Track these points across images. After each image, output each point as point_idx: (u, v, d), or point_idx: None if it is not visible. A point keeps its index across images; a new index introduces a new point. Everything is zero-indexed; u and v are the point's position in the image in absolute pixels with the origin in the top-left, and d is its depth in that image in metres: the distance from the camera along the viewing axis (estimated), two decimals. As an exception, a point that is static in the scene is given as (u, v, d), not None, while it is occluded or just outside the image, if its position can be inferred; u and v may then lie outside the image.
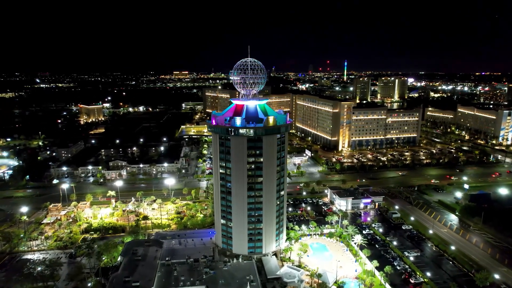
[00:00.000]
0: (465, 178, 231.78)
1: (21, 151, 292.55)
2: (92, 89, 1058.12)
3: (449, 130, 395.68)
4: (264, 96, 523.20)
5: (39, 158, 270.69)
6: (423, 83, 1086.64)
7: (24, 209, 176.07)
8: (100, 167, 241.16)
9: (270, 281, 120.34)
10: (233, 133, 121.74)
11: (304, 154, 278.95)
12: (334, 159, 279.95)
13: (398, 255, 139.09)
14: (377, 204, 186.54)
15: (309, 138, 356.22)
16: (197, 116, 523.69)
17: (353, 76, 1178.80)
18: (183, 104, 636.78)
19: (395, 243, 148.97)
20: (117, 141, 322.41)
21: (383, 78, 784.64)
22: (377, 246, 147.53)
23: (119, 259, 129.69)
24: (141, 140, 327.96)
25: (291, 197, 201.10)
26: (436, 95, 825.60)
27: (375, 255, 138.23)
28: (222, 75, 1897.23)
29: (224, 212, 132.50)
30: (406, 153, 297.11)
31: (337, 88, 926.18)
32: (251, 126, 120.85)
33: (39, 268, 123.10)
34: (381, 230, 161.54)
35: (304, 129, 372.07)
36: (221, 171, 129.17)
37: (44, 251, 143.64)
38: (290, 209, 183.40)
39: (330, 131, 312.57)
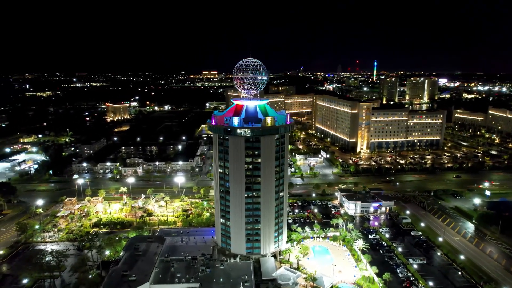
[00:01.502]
0: (486, 184, 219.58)
1: (49, 147, 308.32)
2: (123, 88, 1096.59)
3: (478, 133, 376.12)
4: (287, 97, 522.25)
5: (63, 154, 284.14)
6: (457, 84, 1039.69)
7: (43, 202, 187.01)
8: (117, 164, 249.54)
9: (265, 282, 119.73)
10: (231, 133, 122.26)
11: (320, 155, 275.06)
12: (351, 161, 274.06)
13: (402, 262, 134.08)
14: (387, 208, 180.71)
15: (328, 139, 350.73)
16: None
17: (383, 77, 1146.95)
18: (207, 104, 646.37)
19: (400, 249, 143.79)
20: (138, 139, 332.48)
21: (411, 79, 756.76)
22: (381, 251, 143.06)
23: (121, 253, 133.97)
24: (161, 138, 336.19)
25: (301, 198, 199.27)
26: (469, 96, 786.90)
27: (378, 261, 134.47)
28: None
29: (223, 211, 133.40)
30: (428, 157, 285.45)
31: (364, 89, 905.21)
32: (248, 126, 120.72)
33: (47, 258, 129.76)
34: (388, 235, 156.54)
35: (323, 130, 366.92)
36: (220, 170, 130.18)
37: (55, 242, 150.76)
38: (296, 210, 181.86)
39: (349, 132, 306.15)
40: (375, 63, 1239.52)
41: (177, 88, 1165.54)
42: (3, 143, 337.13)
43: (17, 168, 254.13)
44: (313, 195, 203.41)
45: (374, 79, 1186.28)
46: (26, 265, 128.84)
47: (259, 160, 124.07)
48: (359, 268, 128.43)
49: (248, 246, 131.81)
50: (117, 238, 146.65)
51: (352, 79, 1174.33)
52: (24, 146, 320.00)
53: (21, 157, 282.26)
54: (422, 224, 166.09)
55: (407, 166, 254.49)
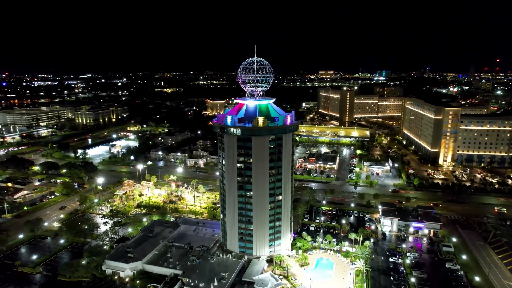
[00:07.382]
0: None
1: (143, 135, 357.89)
2: (237, 87, 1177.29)
3: None
4: (381, 99, 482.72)
5: (150, 142, 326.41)
6: None
7: (111, 180, 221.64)
8: (186, 155, 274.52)
9: (243, 283, 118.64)
10: (225, 132, 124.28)
11: (386, 164, 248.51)
12: (425, 173, 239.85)
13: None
14: (432, 231, 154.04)
15: (413, 147, 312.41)
16: (310, 115, 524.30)
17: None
18: (303, 103, 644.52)
19: (416, 280, 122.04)
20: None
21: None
22: (392, 278, 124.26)
23: (139, 233, 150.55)
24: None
25: (337, 207, 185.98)
26: None
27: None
28: (368, 75, 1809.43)
29: (222, 207, 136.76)
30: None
31: (498, 92, 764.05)
32: (239, 125, 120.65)
33: (85, 227, 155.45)
34: (412, 261, 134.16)
35: (409, 137, 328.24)
36: (219, 167, 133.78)
37: (102, 215, 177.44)
38: (322, 218, 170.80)
39: (431, 140, 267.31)
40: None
41: (286, 87, 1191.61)
42: (116, 130, 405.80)
43: (111, 151, 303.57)
44: (352, 205, 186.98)
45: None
46: (70, 229, 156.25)
47: (251, 160, 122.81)
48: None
49: (241, 245, 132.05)
50: (144, 219, 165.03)
51: (484, 80, 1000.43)
52: (128, 134, 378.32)
53: (120, 142, 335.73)
54: (466, 257, 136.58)
55: (489, 186, 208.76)
